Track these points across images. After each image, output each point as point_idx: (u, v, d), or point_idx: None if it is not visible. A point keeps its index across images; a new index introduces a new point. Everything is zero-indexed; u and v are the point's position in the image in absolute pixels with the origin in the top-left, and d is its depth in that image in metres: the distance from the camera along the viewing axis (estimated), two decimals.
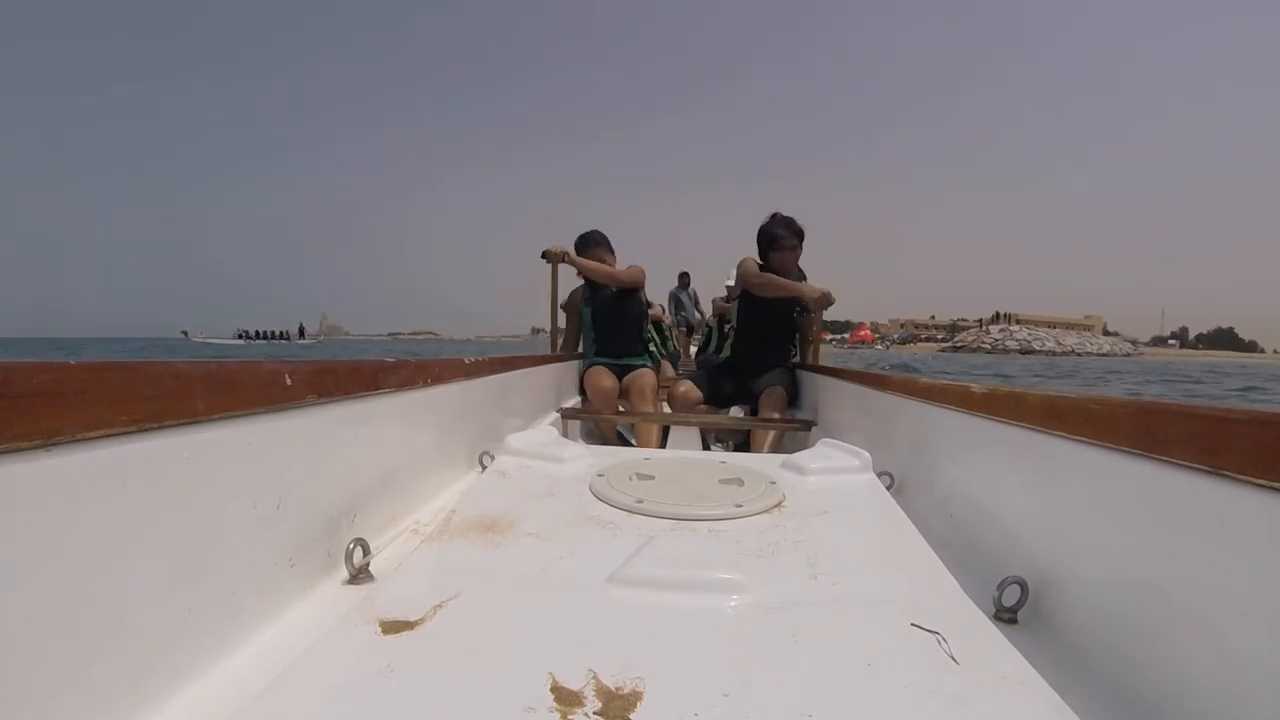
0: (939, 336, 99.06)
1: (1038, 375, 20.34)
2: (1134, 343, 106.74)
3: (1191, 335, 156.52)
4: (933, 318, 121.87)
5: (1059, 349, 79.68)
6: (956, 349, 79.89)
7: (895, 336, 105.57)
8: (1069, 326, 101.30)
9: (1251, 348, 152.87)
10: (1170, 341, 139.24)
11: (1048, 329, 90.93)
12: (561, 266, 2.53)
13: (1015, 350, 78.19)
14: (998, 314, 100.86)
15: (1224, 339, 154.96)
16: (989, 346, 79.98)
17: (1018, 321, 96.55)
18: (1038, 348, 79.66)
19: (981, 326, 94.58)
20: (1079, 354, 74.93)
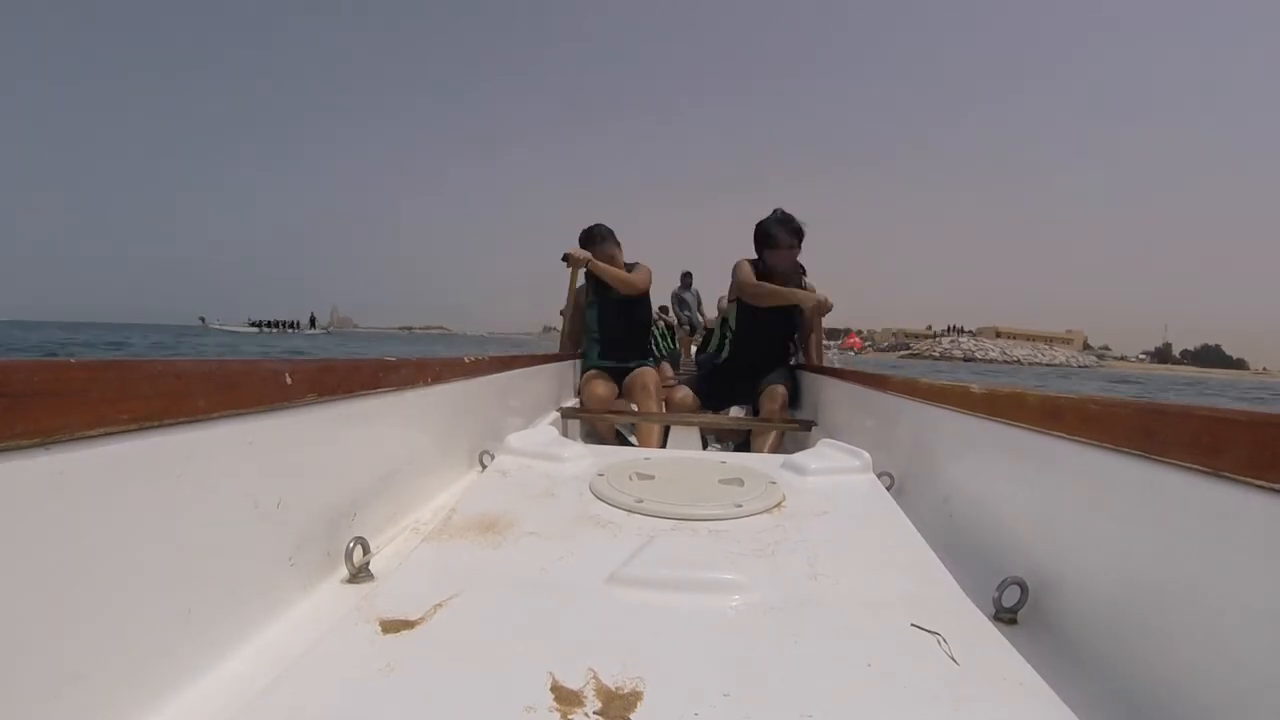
0: (914, 345, 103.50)
1: (939, 370, 23.62)
2: (1100, 357, 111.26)
3: (1177, 351, 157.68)
4: (929, 328, 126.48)
5: (1002, 358, 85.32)
6: (911, 355, 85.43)
7: (883, 345, 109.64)
8: (1049, 340, 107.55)
9: (1240, 364, 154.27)
10: (1140, 357, 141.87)
11: (993, 339, 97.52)
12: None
13: (959, 358, 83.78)
14: (949, 326, 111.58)
15: (1210, 355, 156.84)
16: (937, 354, 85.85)
17: (998, 334, 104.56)
18: (980, 356, 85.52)
19: (935, 337, 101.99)
20: (1025, 363, 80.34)
